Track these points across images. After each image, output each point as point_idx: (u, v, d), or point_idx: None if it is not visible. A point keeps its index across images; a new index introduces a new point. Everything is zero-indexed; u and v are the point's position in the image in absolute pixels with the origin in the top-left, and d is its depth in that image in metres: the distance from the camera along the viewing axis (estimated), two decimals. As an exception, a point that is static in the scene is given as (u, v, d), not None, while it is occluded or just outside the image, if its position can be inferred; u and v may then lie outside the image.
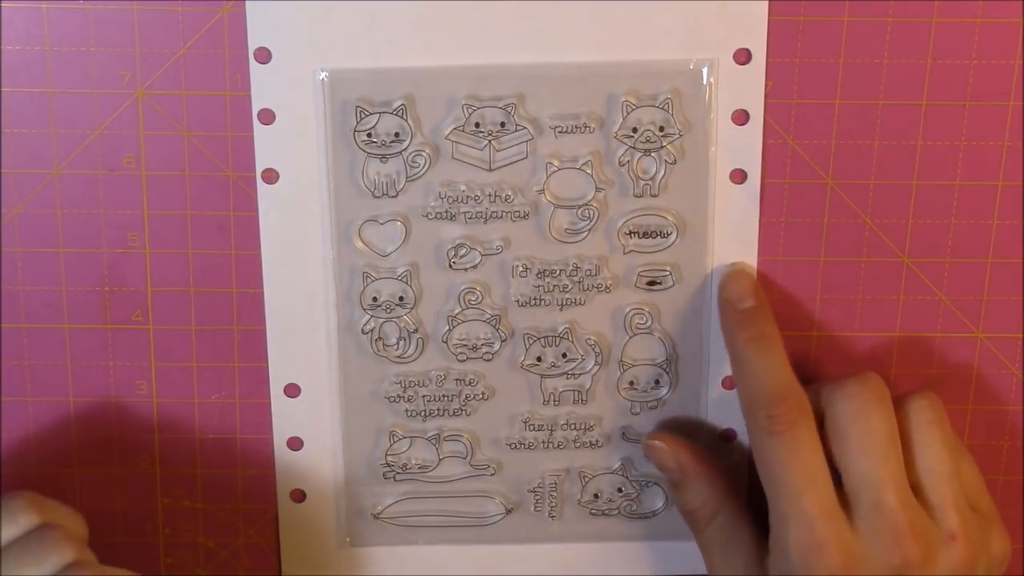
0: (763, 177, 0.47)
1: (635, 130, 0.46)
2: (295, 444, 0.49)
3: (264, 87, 0.46)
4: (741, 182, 0.47)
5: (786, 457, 0.43)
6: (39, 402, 0.49)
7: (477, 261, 0.47)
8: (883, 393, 0.44)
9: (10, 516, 0.41)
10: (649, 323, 0.48)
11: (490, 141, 0.46)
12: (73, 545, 0.41)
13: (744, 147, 0.47)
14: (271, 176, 0.47)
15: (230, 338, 0.48)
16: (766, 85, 0.46)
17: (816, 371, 0.49)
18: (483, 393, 0.49)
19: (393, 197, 0.47)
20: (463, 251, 0.47)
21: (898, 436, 0.44)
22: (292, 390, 0.49)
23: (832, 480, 0.43)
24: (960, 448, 0.46)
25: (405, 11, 0.45)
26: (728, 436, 0.50)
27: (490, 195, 0.47)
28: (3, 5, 0.45)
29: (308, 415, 0.49)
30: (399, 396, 0.49)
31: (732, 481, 0.48)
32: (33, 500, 0.42)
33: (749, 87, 0.46)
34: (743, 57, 0.46)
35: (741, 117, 0.46)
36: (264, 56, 0.45)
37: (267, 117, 0.46)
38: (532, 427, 0.49)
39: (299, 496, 0.50)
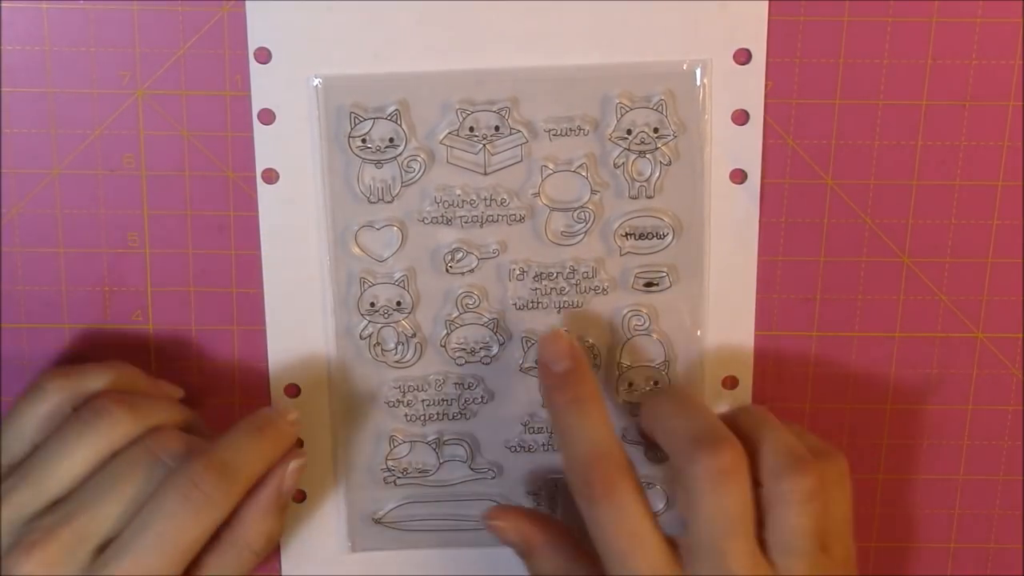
0: (763, 177, 0.47)
1: (630, 132, 0.46)
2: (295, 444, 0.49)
3: (264, 87, 0.46)
4: (741, 182, 0.47)
5: (609, 521, 0.42)
6: (39, 402, 0.49)
7: (474, 265, 0.47)
8: (741, 465, 0.42)
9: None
10: (647, 324, 0.48)
11: (485, 145, 0.46)
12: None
13: (744, 147, 0.47)
14: (271, 176, 0.47)
15: (230, 338, 0.48)
16: (766, 85, 0.46)
17: (816, 371, 0.49)
18: (482, 397, 0.49)
19: (389, 202, 0.47)
20: (460, 255, 0.47)
21: (750, 506, 0.41)
22: (292, 390, 0.49)
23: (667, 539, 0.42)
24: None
25: (401, 14, 0.45)
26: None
27: (486, 199, 0.47)
28: (3, 5, 0.45)
29: (308, 415, 0.49)
30: (398, 401, 0.49)
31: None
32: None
33: (749, 87, 0.46)
34: (743, 57, 0.46)
35: (741, 117, 0.46)
36: (264, 56, 0.45)
37: (267, 117, 0.46)
38: (532, 430, 0.49)
39: (299, 496, 0.50)
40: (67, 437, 0.42)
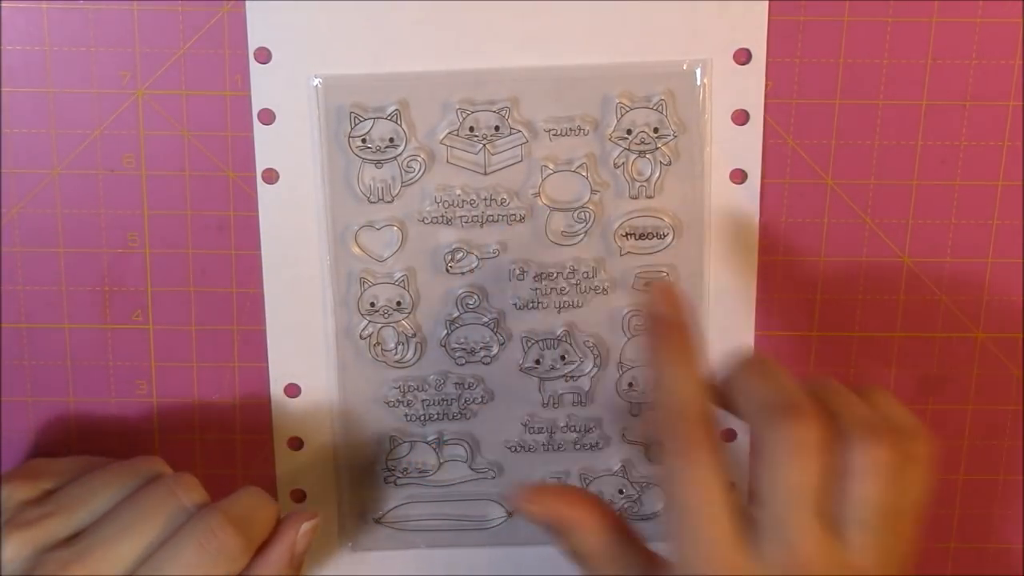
0: (763, 177, 0.47)
1: (630, 132, 0.46)
2: (295, 444, 0.49)
3: (264, 87, 0.46)
4: (741, 182, 0.47)
5: (684, 477, 0.40)
6: (39, 402, 0.49)
7: (474, 265, 0.47)
8: (823, 438, 0.40)
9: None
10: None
11: (485, 145, 0.46)
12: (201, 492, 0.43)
13: (744, 147, 0.47)
14: (271, 176, 0.47)
15: (230, 338, 0.48)
16: (766, 85, 0.46)
17: (816, 371, 0.49)
18: (483, 396, 0.49)
19: (389, 202, 0.47)
20: (460, 255, 0.47)
21: (825, 481, 0.40)
22: (292, 390, 0.49)
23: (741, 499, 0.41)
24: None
25: (401, 14, 0.45)
26: (728, 437, 0.49)
27: (486, 199, 0.47)
28: (3, 5, 0.45)
29: (308, 415, 0.49)
30: (398, 401, 0.49)
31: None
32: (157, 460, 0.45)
33: (749, 87, 0.46)
34: (743, 57, 0.46)
35: (741, 117, 0.46)
36: (264, 56, 0.45)
37: (267, 117, 0.46)
38: (532, 430, 0.49)
39: (299, 496, 0.50)
40: (101, 478, 0.43)
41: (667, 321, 0.43)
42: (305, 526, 0.44)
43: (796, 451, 0.39)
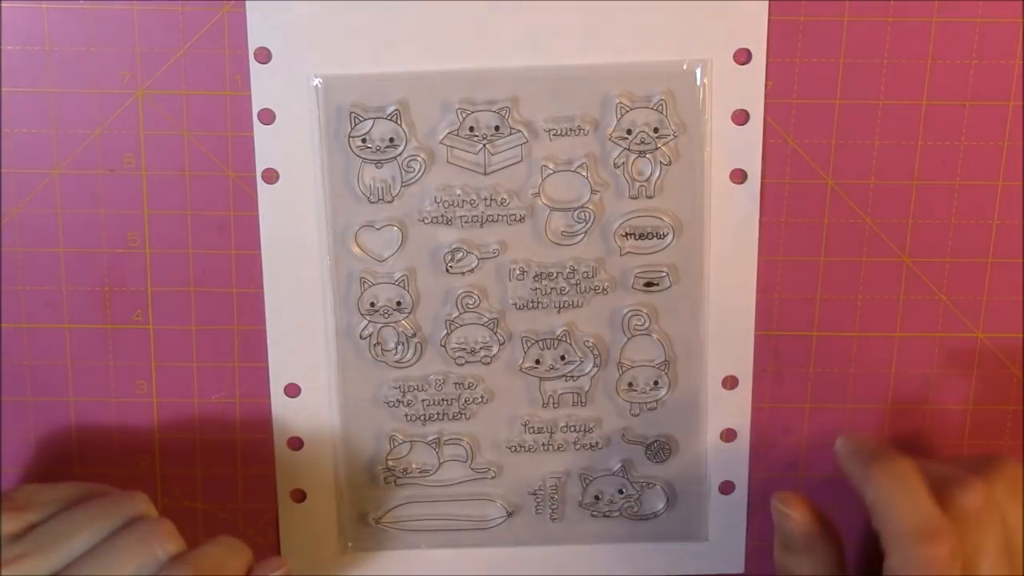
0: (763, 177, 0.47)
1: (629, 132, 0.46)
2: (295, 444, 0.49)
3: (264, 87, 0.46)
4: (741, 182, 0.47)
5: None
6: (39, 402, 0.49)
7: (474, 265, 0.47)
8: (953, 558, 0.42)
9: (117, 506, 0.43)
10: (647, 324, 0.48)
11: (485, 145, 0.46)
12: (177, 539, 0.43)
13: (744, 147, 0.47)
14: (271, 176, 0.47)
15: (230, 338, 0.48)
16: (766, 85, 0.46)
17: (816, 371, 0.49)
18: (482, 396, 0.49)
19: (389, 202, 0.47)
20: (460, 255, 0.47)
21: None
22: (292, 390, 0.49)
23: None
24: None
25: (401, 14, 0.45)
26: (727, 436, 0.49)
27: (486, 199, 0.47)
28: (3, 5, 0.45)
29: (308, 415, 0.49)
30: (398, 401, 0.49)
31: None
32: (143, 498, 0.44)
33: (749, 87, 0.46)
34: (743, 57, 0.46)
35: (741, 117, 0.46)
36: (264, 56, 0.45)
37: (267, 117, 0.46)
38: (532, 430, 0.49)
39: (299, 496, 0.50)
40: (81, 517, 0.43)
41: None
42: (275, 575, 0.44)
43: (935, 567, 0.41)
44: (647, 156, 0.46)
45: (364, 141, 0.46)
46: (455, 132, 0.46)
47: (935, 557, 0.41)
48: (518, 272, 0.47)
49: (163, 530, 0.42)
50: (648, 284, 0.48)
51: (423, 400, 0.49)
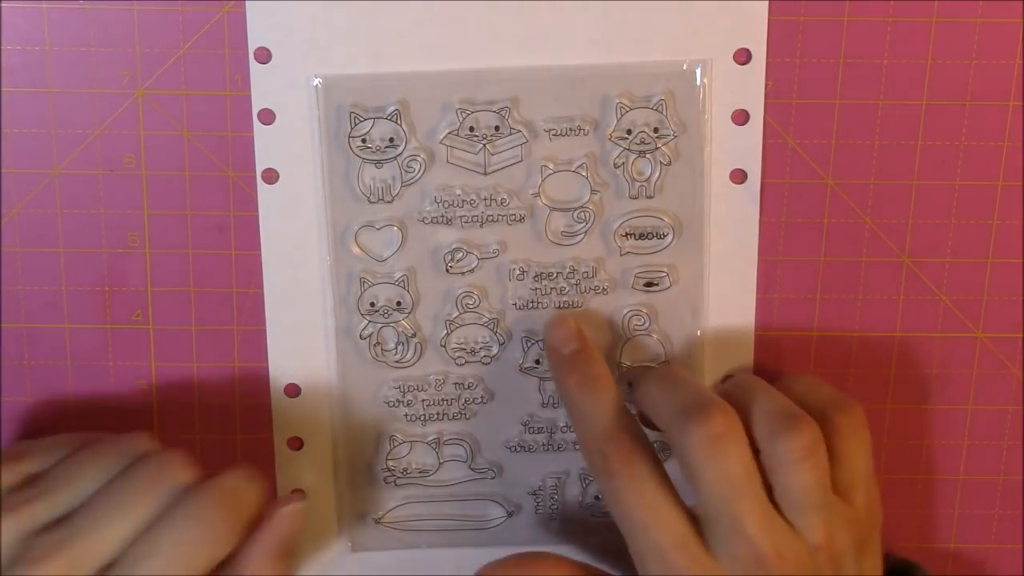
0: (763, 177, 0.47)
1: (629, 132, 0.46)
2: (295, 444, 0.49)
3: (264, 87, 0.46)
4: (741, 182, 0.47)
5: (628, 495, 0.42)
6: (39, 402, 0.49)
7: (474, 265, 0.47)
8: (734, 428, 0.42)
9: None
10: (647, 325, 0.48)
11: (485, 145, 0.46)
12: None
13: (744, 147, 0.47)
14: (271, 176, 0.47)
15: (230, 338, 0.48)
16: (766, 85, 0.46)
17: (816, 371, 0.49)
18: (482, 397, 0.49)
19: (389, 202, 0.47)
20: (460, 255, 0.47)
21: (753, 467, 0.41)
22: (292, 390, 0.49)
23: (685, 507, 0.42)
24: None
25: (401, 14, 0.45)
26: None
27: (486, 199, 0.47)
28: (3, 5, 0.45)
29: (308, 415, 0.49)
30: (398, 401, 0.49)
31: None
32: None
33: (749, 87, 0.46)
34: (743, 57, 0.46)
35: (741, 117, 0.46)
36: (264, 56, 0.45)
37: (267, 117, 0.46)
38: (532, 430, 0.49)
39: (299, 496, 0.50)
40: (87, 458, 0.42)
41: (572, 352, 0.46)
42: (295, 506, 0.44)
43: (714, 445, 0.41)
44: (647, 156, 0.46)
45: (364, 141, 0.46)
46: (455, 132, 0.46)
47: (709, 433, 0.41)
48: (518, 272, 0.47)
49: (176, 460, 0.43)
50: (648, 284, 0.48)
51: (423, 400, 0.49)
